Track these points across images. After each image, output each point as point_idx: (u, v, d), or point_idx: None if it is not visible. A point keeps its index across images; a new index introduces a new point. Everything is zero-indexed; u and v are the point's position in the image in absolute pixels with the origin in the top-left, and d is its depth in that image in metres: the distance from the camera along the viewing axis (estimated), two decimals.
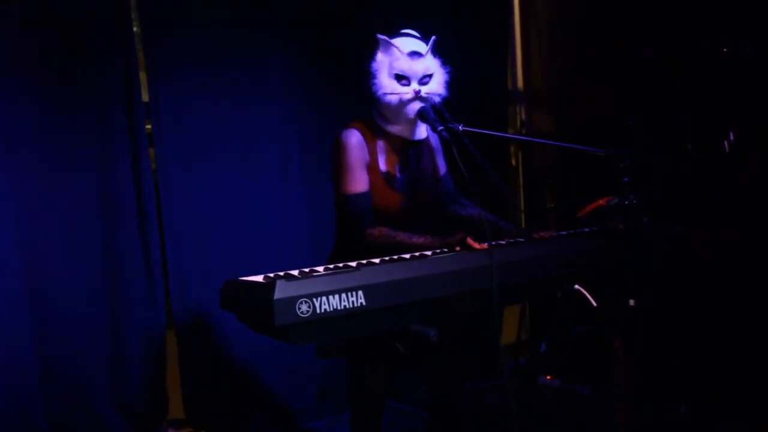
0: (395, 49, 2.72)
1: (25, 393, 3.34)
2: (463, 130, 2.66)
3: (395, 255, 2.52)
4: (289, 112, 3.95)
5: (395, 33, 2.81)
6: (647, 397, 3.23)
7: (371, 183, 2.74)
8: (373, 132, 2.79)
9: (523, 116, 5.03)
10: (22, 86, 3.33)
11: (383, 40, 2.75)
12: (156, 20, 3.60)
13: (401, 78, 2.71)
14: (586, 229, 2.87)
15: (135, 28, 3.64)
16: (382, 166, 2.78)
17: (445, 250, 2.55)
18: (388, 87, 2.71)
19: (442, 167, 3.02)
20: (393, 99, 2.71)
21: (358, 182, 2.71)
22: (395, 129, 2.78)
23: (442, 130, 2.60)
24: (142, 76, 3.62)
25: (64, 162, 3.43)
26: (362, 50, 4.03)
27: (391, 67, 2.72)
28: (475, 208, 2.94)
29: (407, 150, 2.85)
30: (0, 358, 3.27)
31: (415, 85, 2.71)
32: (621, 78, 4.01)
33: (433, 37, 2.80)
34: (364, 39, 4.00)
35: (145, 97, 3.63)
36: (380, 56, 2.76)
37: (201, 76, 3.71)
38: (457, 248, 2.52)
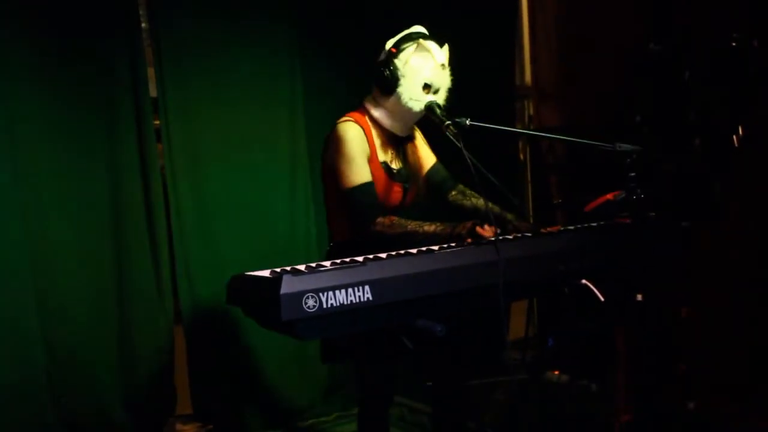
0: (431, 56, 2.73)
1: (34, 388, 3.36)
2: (470, 125, 2.68)
3: (402, 246, 2.53)
4: (298, 107, 3.96)
5: (420, 34, 2.79)
6: (653, 393, 3.22)
7: (373, 174, 2.75)
8: (368, 124, 2.80)
9: (531, 111, 5.02)
10: (29, 82, 3.34)
11: (423, 45, 2.74)
12: (164, 16, 3.61)
13: (427, 86, 2.73)
14: (593, 224, 2.86)
15: (143, 24, 3.65)
16: (380, 156, 2.79)
17: (452, 245, 2.55)
18: (414, 93, 2.72)
19: (431, 158, 3.03)
20: (416, 105, 2.72)
21: (363, 173, 2.71)
22: (388, 124, 2.80)
23: (449, 125, 2.62)
24: (150, 72, 3.63)
25: (71, 158, 3.44)
26: (371, 46, 4.04)
27: (422, 74, 2.72)
28: (480, 199, 2.95)
29: (397, 145, 2.87)
30: (8, 355, 3.28)
31: (431, 96, 2.74)
32: (629, 73, 4.00)
33: (446, 45, 2.81)
34: (374, 33, 4.02)
35: (153, 93, 3.64)
36: (414, 60, 2.73)
37: (209, 72, 3.72)
38: (468, 240, 2.52)
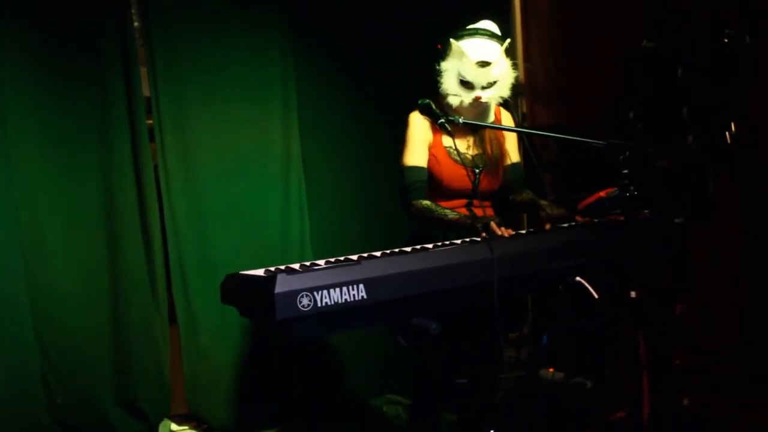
0: (465, 57, 2.83)
1: (29, 389, 3.36)
2: (463, 122, 2.73)
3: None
4: (291, 107, 3.95)
5: (468, 31, 2.89)
6: (650, 390, 3.23)
7: (437, 158, 2.90)
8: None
9: (524, 109, 5.01)
10: (22, 82, 3.34)
11: (456, 46, 2.84)
12: (156, 15, 3.60)
13: (466, 83, 2.84)
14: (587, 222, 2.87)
15: (135, 23, 3.64)
16: (446, 142, 2.91)
17: (446, 243, 2.55)
18: (452, 89, 2.86)
19: (512, 156, 3.09)
20: (455, 101, 2.87)
21: (415, 157, 2.90)
22: (455, 112, 2.89)
23: (441, 123, 2.71)
24: (143, 71, 3.62)
25: (64, 158, 3.45)
26: (366, 47, 4.04)
27: (458, 73, 2.85)
28: (528, 194, 3.05)
29: (475, 131, 2.97)
30: (3, 356, 3.29)
31: (477, 92, 2.85)
32: (622, 70, 4.00)
33: (508, 40, 2.90)
34: (369, 35, 4.03)
35: (146, 92, 3.63)
36: (450, 59, 2.88)
37: (202, 72, 3.71)
38: (483, 234, 2.56)
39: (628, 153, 2.57)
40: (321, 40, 4.02)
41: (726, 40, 3.39)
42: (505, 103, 3.08)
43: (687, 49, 3.58)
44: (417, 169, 2.89)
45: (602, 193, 2.71)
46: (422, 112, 2.84)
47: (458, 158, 2.90)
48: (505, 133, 3.06)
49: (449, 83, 2.86)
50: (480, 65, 2.82)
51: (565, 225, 2.82)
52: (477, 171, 2.93)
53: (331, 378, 4.10)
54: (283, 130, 3.93)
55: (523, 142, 3.28)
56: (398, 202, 2.94)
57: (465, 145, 2.94)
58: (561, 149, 4.65)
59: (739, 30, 3.37)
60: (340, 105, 4.07)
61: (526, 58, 5.01)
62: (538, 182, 4.74)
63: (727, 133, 3.39)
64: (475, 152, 2.96)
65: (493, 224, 2.60)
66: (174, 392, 3.76)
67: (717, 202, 3.47)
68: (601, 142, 2.60)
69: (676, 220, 2.97)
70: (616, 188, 2.64)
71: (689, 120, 3.54)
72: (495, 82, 2.87)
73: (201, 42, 3.69)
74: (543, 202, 2.90)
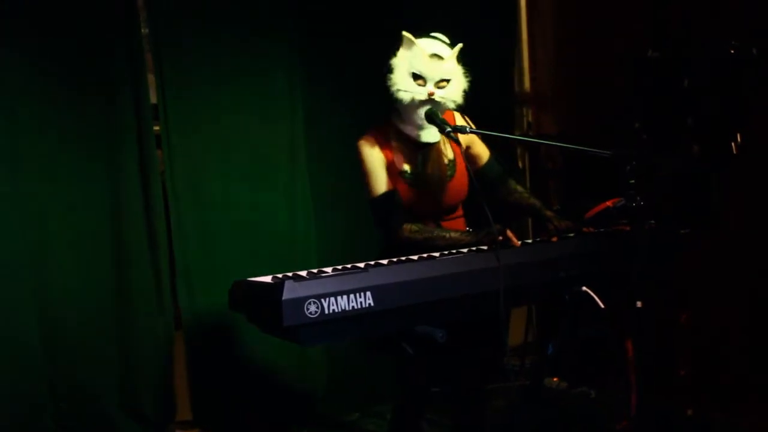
0: (417, 47, 2.73)
1: (34, 395, 3.37)
2: (470, 131, 2.70)
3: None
4: (298, 113, 3.96)
5: (422, 34, 2.82)
6: (652, 398, 3.23)
7: (394, 184, 2.77)
8: (387, 135, 2.81)
9: (530, 118, 5.02)
10: (30, 89, 3.35)
11: (407, 37, 2.75)
12: (164, 22, 3.61)
13: (418, 77, 2.71)
14: (594, 231, 2.87)
15: (143, 30, 3.65)
16: (399, 164, 2.80)
17: (453, 252, 2.56)
18: (403, 84, 2.72)
19: (482, 157, 3.00)
20: (406, 96, 2.71)
21: (381, 184, 2.76)
22: (407, 129, 2.79)
23: (449, 132, 2.64)
24: (150, 78, 3.63)
25: (72, 164, 3.45)
26: (369, 52, 4.04)
27: (410, 65, 2.72)
28: (522, 190, 2.99)
29: (417, 152, 2.85)
30: (8, 361, 3.29)
31: (430, 87, 2.71)
32: (628, 80, 4.01)
33: (460, 45, 2.81)
34: (372, 42, 4.04)
35: (154, 99, 3.64)
36: (402, 52, 2.76)
37: (209, 78, 3.72)
38: (500, 237, 2.53)
39: (634, 163, 2.57)
40: (328, 47, 4.03)
41: (732, 51, 3.40)
42: (458, 109, 2.91)
43: (693, 60, 3.59)
44: (389, 195, 2.75)
45: (609, 203, 2.72)
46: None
47: (412, 179, 2.79)
48: (468, 139, 2.93)
49: (399, 77, 2.72)
50: (433, 57, 2.70)
51: (572, 234, 2.82)
52: (438, 190, 2.82)
53: (332, 385, 4.10)
54: (290, 136, 3.94)
55: (528, 150, 3.27)
56: (378, 234, 2.81)
57: (413, 166, 2.81)
58: (565, 158, 4.67)
59: (746, 41, 3.38)
60: (347, 110, 4.06)
61: (532, 67, 5.02)
62: (542, 190, 4.77)
63: (732, 144, 3.40)
64: (429, 171, 2.81)
65: (509, 232, 2.57)
66: (179, 398, 3.76)
67: (722, 212, 3.48)
68: (606, 152, 2.61)
69: (682, 231, 2.98)
70: (622, 198, 2.64)
71: (695, 130, 3.55)
72: (448, 82, 2.74)
73: (208, 50, 3.70)
74: (549, 213, 2.87)
